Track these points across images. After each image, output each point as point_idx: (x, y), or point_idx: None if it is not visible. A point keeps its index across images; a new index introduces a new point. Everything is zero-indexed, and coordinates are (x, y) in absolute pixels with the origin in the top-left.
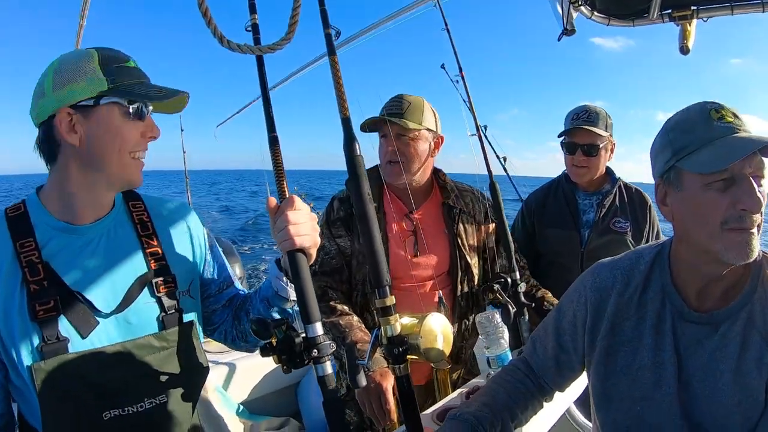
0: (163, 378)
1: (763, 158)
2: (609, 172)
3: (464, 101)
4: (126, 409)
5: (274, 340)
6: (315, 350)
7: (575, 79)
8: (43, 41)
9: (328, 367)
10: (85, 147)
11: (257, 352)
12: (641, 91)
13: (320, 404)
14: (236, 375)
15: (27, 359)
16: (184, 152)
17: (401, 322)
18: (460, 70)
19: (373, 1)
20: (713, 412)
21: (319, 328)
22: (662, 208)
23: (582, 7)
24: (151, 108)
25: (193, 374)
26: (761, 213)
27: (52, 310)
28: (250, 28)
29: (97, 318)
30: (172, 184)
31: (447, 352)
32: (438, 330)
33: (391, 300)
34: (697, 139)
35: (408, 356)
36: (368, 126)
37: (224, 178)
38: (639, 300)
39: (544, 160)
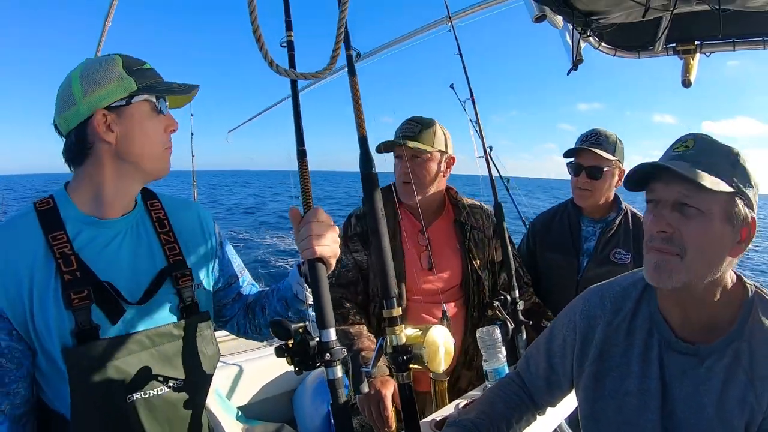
0: (182, 364)
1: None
2: (616, 200)
3: (473, 123)
4: (148, 392)
5: (290, 342)
6: (328, 354)
7: (572, 81)
8: (29, 42)
9: (338, 371)
10: (121, 144)
11: (260, 355)
12: (637, 92)
13: (314, 411)
14: (233, 380)
15: (62, 344)
16: (192, 156)
17: (406, 332)
18: (471, 94)
19: (388, 22)
20: None
21: (332, 334)
22: None
23: (590, 38)
24: (168, 103)
25: (207, 361)
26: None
27: (85, 298)
28: (285, 44)
29: (126, 307)
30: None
31: (447, 363)
32: (440, 342)
33: (397, 311)
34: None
35: (411, 365)
36: (384, 148)
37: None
38: (628, 327)
39: (540, 162)
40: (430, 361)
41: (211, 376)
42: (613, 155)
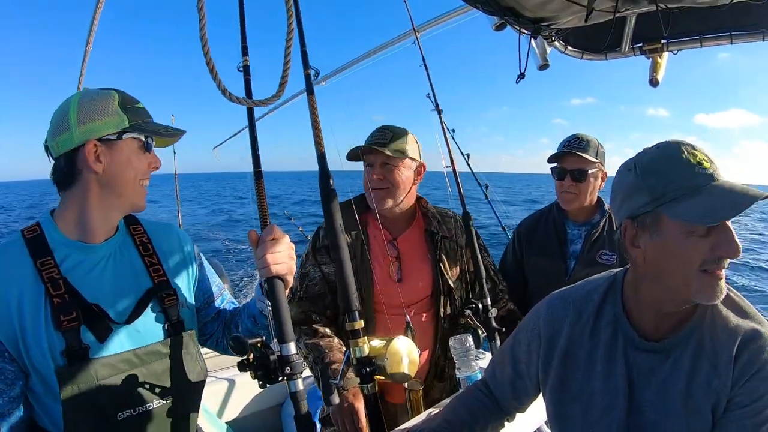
0: (170, 380)
1: None
2: (600, 203)
3: (442, 135)
4: (137, 409)
5: (251, 356)
6: (288, 367)
7: (564, 77)
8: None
9: (300, 384)
10: (107, 175)
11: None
12: (630, 87)
13: None
14: (221, 395)
15: (53, 365)
16: (176, 174)
17: (370, 344)
18: (437, 105)
19: (354, 38)
20: None
21: (292, 348)
22: (631, 250)
23: (556, 42)
24: (154, 143)
25: (195, 378)
26: None
27: (74, 320)
28: (242, 69)
29: (113, 328)
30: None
31: (412, 373)
32: (403, 352)
33: (360, 324)
34: (680, 187)
35: (376, 376)
36: (354, 155)
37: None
38: (592, 329)
39: (534, 157)
40: (393, 371)
41: (200, 392)
42: (596, 158)
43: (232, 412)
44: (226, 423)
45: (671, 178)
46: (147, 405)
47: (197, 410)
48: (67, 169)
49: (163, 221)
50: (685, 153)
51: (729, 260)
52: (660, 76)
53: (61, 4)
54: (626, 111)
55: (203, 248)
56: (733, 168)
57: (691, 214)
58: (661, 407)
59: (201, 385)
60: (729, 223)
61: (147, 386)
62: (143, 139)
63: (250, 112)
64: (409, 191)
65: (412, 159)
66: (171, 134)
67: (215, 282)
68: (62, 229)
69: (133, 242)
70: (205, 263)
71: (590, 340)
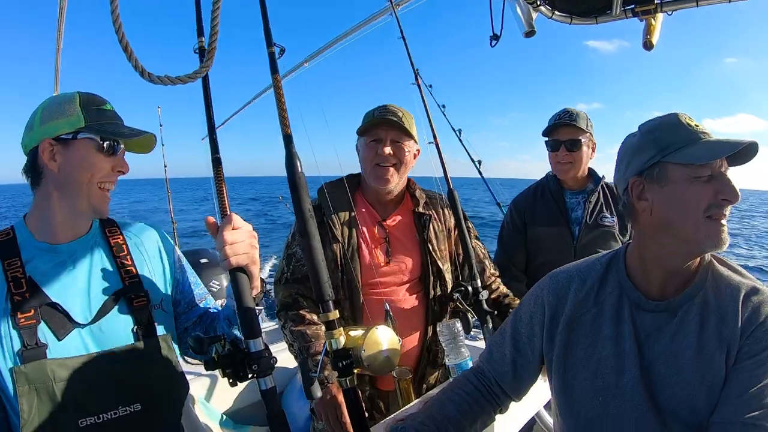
0: (138, 387)
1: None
2: (591, 172)
3: (425, 108)
4: (101, 416)
5: (216, 355)
6: (256, 364)
7: (572, 83)
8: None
9: (270, 381)
10: (62, 174)
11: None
12: (637, 92)
13: (302, 413)
14: (218, 386)
15: (9, 363)
16: (165, 166)
17: (349, 334)
18: (417, 78)
19: (327, 20)
20: (678, 392)
21: (260, 344)
22: (639, 204)
23: (542, 7)
24: (122, 147)
25: (168, 384)
26: None
27: (32, 318)
28: (197, 51)
29: (75, 328)
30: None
31: (395, 363)
32: (383, 342)
33: (334, 314)
34: (682, 138)
35: (354, 369)
36: (367, 128)
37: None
38: (596, 296)
39: (540, 162)
40: (371, 363)
41: (177, 400)
42: (586, 128)
43: (229, 402)
44: (222, 413)
45: (672, 134)
46: (112, 412)
47: (176, 420)
48: (32, 168)
49: (144, 223)
50: (684, 118)
51: (731, 206)
52: (654, 39)
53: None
54: (632, 116)
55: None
56: (738, 173)
57: (695, 156)
58: (673, 362)
59: (178, 393)
60: (727, 172)
61: (112, 391)
62: (98, 140)
63: (206, 86)
64: (407, 173)
65: (415, 141)
66: (129, 135)
67: (198, 287)
68: (31, 229)
69: (107, 244)
70: (188, 267)
71: (595, 306)
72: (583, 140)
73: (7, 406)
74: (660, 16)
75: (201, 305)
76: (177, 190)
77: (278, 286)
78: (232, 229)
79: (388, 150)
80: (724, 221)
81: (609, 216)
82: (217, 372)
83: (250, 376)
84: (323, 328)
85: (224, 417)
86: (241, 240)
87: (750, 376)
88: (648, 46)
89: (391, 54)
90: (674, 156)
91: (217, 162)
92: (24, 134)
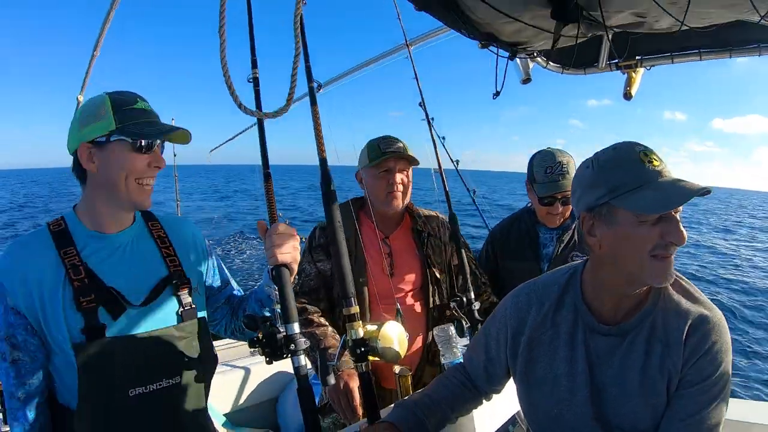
0: (180, 362)
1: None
2: (571, 210)
3: (434, 142)
4: (148, 386)
5: (260, 335)
6: (293, 345)
7: (584, 77)
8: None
9: (302, 359)
10: (101, 174)
11: (245, 363)
12: (647, 90)
13: (298, 417)
14: (219, 388)
15: (72, 341)
16: (175, 176)
17: (365, 328)
18: (427, 116)
19: (349, 49)
20: (624, 412)
21: (296, 327)
22: (588, 238)
23: (538, 59)
24: (158, 142)
25: (204, 360)
26: None
27: (93, 301)
28: (251, 80)
29: (128, 309)
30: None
31: (402, 353)
32: (394, 336)
33: (355, 309)
34: (632, 180)
35: (369, 357)
36: (378, 160)
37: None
38: (553, 318)
39: None
40: (384, 351)
41: (210, 375)
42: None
43: (230, 404)
44: (224, 414)
45: (624, 174)
46: (157, 383)
47: (206, 393)
48: (77, 167)
49: (178, 216)
50: (638, 152)
51: (676, 246)
52: (634, 91)
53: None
54: (643, 114)
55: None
56: (749, 174)
57: (641, 205)
58: (621, 384)
59: (210, 368)
60: (675, 213)
61: (158, 366)
62: (130, 140)
63: (260, 122)
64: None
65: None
66: (158, 134)
67: (224, 272)
68: (82, 220)
69: (150, 234)
70: (215, 254)
71: (552, 328)
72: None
73: (57, 380)
74: (640, 70)
75: (227, 289)
76: (182, 179)
77: None
78: (279, 232)
79: (399, 179)
80: (670, 258)
81: (580, 255)
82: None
83: (285, 355)
84: (329, 329)
85: (225, 419)
86: (286, 242)
87: (693, 402)
88: (627, 96)
89: (400, 84)
90: (623, 200)
91: (267, 177)
92: (68, 136)
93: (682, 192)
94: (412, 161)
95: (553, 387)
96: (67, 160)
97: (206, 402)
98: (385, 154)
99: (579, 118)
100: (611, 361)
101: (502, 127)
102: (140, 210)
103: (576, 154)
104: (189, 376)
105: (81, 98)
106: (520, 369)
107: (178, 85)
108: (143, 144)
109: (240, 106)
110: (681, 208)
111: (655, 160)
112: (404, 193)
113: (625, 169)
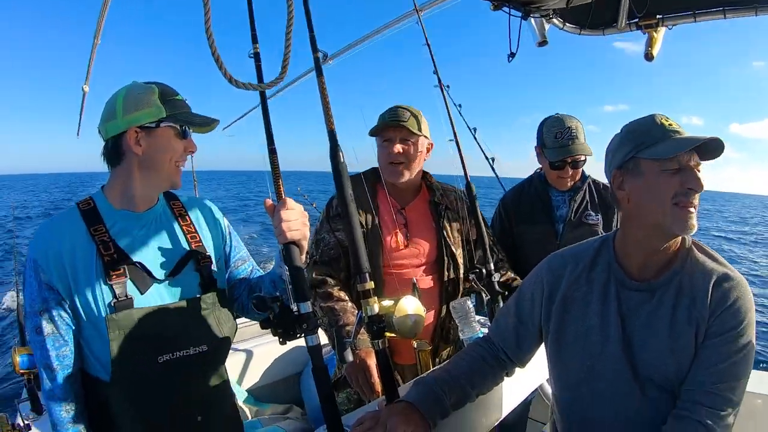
0: (204, 331)
1: (700, 159)
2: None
3: (446, 110)
4: (175, 353)
5: (271, 315)
6: (305, 324)
7: (600, 83)
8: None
9: (316, 339)
10: (146, 156)
11: (267, 340)
12: (663, 94)
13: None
14: (243, 364)
15: (103, 312)
16: (194, 172)
17: (381, 303)
18: (440, 81)
19: (356, 18)
20: (652, 360)
21: (309, 306)
22: (618, 193)
23: (554, 19)
24: (191, 130)
25: (226, 329)
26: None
27: (121, 275)
28: (252, 56)
29: (153, 283)
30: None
31: (419, 329)
32: (410, 310)
33: (370, 284)
34: (653, 137)
35: (385, 333)
36: (379, 130)
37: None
38: (587, 276)
39: None
40: (400, 327)
41: (230, 343)
42: (584, 141)
43: (253, 380)
44: (246, 390)
45: (646, 133)
46: (184, 351)
47: (226, 358)
48: (114, 150)
49: (197, 197)
50: (659, 119)
51: (697, 197)
52: (655, 51)
53: None
54: None
55: None
56: (765, 178)
57: (661, 151)
58: (649, 335)
59: (231, 336)
60: (695, 167)
61: (184, 335)
62: (178, 127)
63: (262, 95)
64: (420, 165)
65: (425, 137)
66: (203, 123)
67: (243, 251)
68: (111, 200)
69: (172, 213)
70: (234, 234)
71: (587, 284)
72: (585, 157)
73: (87, 351)
74: (661, 29)
75: (244, 267)
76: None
77: (309, 268)
78: (287, 208)
79: (397, 149)
80: (691, 208)
81: (593, 214)
82: (251, 343)
83: (299, 335)
84: (349, 304)
85: (248, 395)
86: (295, 219)
87: (717, 352)
88: (649, 57)
89: (413, 55)
90: (645, 152)
91: (272, 152)
92: (104, 121)
93: (694, 139)
94: (414, 131)
95: (585, 342)
96: (63, 167)
97: (227, 373)
98: (384, 122)
99: (594, 124)
100: (640, 314)
101: (517, 132)
102: (175, 188)
103: (593, 159)
104: (213, 342)
105: (86, 88)
106: (554, 326)
107: (176, 83)
108: (182, 131)
109: (231, 79)
110: (701, 166)
111: (674, 123)
112: (407, 165)
113: (648, 129)
